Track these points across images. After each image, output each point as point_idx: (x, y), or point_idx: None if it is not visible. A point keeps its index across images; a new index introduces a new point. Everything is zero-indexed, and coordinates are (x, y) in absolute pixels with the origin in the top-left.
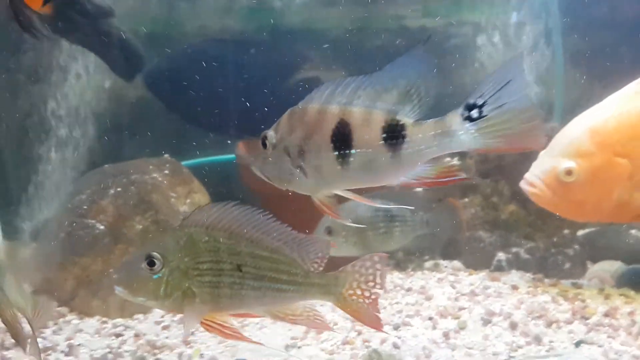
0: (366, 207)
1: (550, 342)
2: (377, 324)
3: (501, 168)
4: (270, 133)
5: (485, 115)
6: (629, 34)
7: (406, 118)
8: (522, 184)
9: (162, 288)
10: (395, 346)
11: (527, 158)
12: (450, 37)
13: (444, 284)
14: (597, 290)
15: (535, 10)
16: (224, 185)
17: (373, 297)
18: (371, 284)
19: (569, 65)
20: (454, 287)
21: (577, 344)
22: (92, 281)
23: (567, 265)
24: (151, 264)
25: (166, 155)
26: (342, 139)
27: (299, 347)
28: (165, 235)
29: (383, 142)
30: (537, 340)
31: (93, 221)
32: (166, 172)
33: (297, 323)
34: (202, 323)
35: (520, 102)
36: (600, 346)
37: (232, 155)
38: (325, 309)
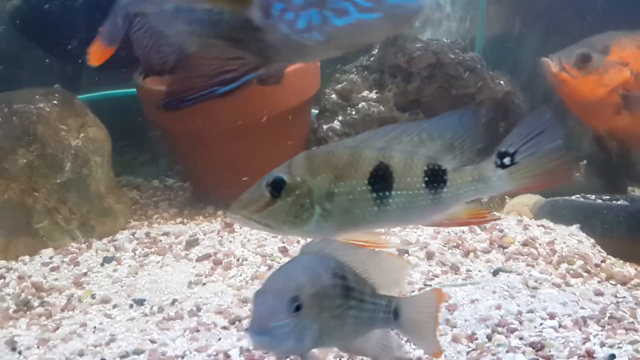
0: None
1: (468, 270)
2: None
3: (419, 102)
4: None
5: (517, 162)
6: None
7: (447, 164)
8: None
9: None
10: None
11: (447, 92)
12: None
13: None
14: (516, 221)
15: None
16: (124, 120)
17: None
18: None
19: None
20: None
21: (495, 272)
22: None
23: (484, 199)
24: None
25: (56, 86)
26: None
27: (204, 284)
28: None
29: (425, 184)
30: (454, 269)
31: None
32: (55, 102)
33: None
34: None
35: (550, 148)
36: (519, 274)
37: (133, 90)
38: (235, 244)
